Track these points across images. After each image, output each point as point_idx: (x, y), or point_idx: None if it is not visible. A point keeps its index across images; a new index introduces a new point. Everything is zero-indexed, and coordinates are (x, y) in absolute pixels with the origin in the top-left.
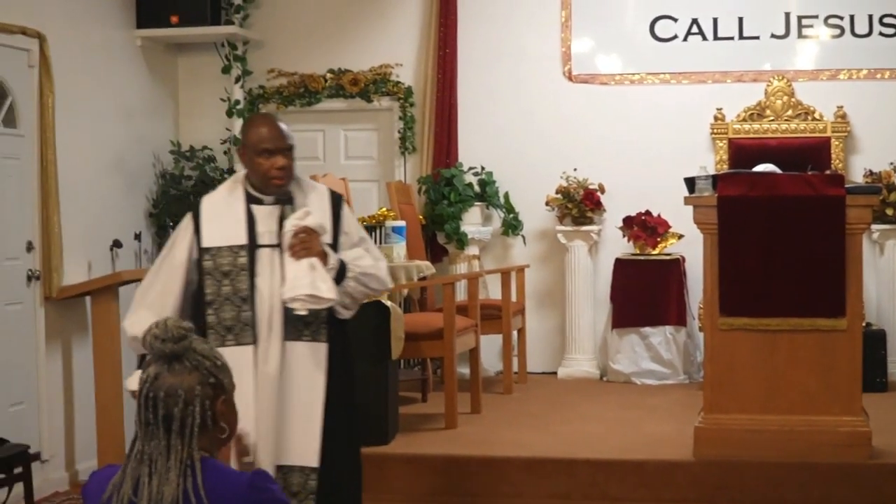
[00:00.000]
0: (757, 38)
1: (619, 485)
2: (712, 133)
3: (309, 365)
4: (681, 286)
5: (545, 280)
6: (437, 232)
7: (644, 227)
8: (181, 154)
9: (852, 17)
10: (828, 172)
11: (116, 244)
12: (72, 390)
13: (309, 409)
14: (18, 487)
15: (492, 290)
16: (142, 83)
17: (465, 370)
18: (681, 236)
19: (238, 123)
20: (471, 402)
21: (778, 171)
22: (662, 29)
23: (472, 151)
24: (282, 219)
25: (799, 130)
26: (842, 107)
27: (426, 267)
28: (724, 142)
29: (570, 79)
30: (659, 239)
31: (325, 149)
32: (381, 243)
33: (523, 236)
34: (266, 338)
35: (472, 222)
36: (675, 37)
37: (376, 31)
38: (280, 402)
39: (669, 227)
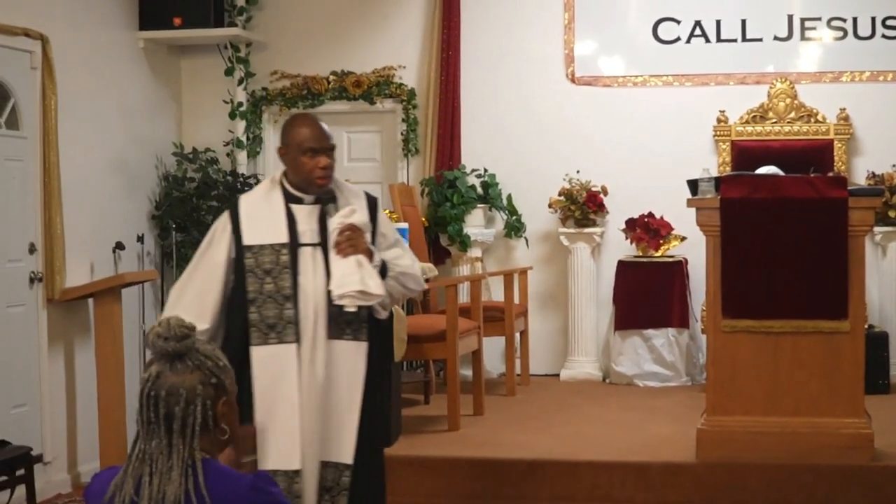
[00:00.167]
0: (760, 40)
1: (621, 487)
2: (715, 135)
3: (350, 363)
4: (683, 288)
5: (548, 282)
6: (439, 234)
7: (647, 229)
8: (184, 156)
9: (855, 20)
10: (830, 174)
11: (119, 246)
12: (74, 392)
13: (348, 406)
14: (21, 489)
15: (494, 292)
16: (144, 85)
17: (467, 372)
18: (683, 238)
19: (240, 125)
20: (473, 404)
21: (781, 173)
22: (665, 31)
23: (475, 153)
24: (322, 217)
25: (802, 132)
26: (844, 109)
27: (429, 269)
28: (727, 144)
29: (572, 81)
30: (661, 241)
31: None
32: None
33: (526, 238)
34: (311, 336)
35: (475, 224)
36: (678, 39)
37: (379, 33)
38: (323, 400)
39: (672, 229)
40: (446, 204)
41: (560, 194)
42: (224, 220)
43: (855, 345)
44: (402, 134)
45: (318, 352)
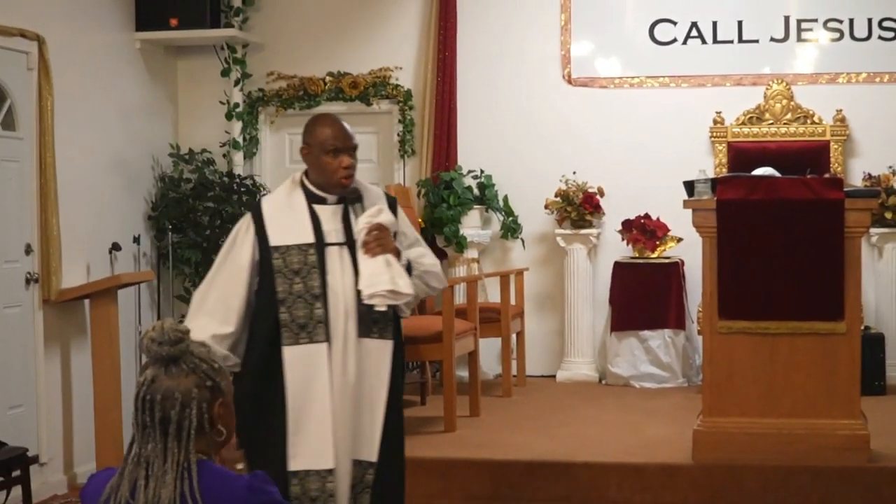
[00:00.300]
0: (756, 41)
1: (618, 488)
2: (711, 136)
3: (377, 361)
4: (679, 289)
5: (544, 283)
6: (436, 235)
7: (643, 230)
8: (180, 157)
9: (851, 21)
10: (827, 176)
11: (115, 247)
12: (70, 393)
13: (375, 404)
14: (17, 490)
15: (491, 293)
16: (141, 86)
17: (463, 373)
18: (680, 240)
19: (237, 126)
20: (470, 405)
21: (777, 174)
22: (662, 32)
23: (472, 154)
24: (346, 217)
25: (798, 134)
26: (841, 110)
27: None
28: (724, 145)
29: (569, 82)
30: (658, 242)
31: None
32: None
33: (522, 239)
34: (342, 335)
35: (472, 225)
36: (675, 40)
37: (376, 34)
38: (354, 398)
39: (668, 230)
40: (443, 205)
41: (556, 195)
42: (246, 223)
43: (851, 346)
44: (398, 135)
45: (349, 351)
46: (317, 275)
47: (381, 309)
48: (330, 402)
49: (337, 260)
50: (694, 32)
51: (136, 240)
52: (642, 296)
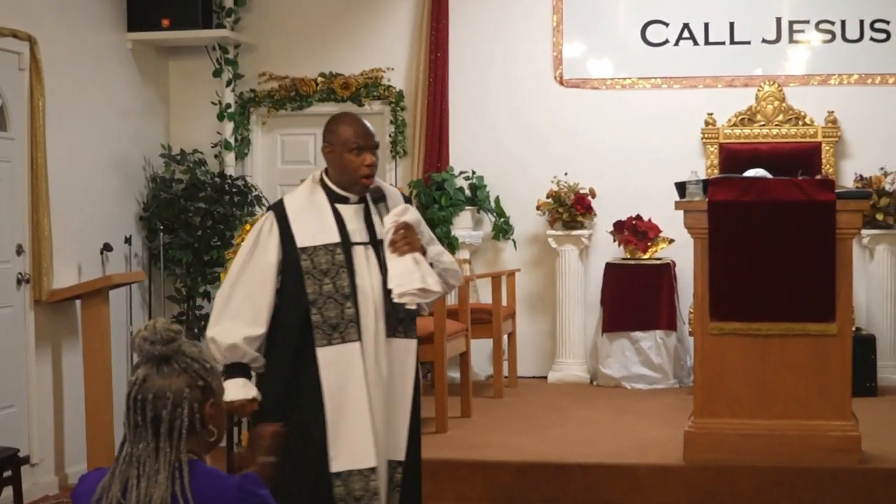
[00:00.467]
0: (748, 42)
1: (609, 489)
2: (703, 138)
3: (404, 360)
4: (671, 291)
5: (536, 284)
6: None
7: (635, 231)
8: (172, 157)
9: (843, 23)
10: (818, 177)
11: (107, 247)
12: (62, 394)
13: (402, 403)
14: (8, 491)
15: (482, 294)
16: (133, 86)
17: (455, 374)
18: (671, 241)
19: (228, 127)
20: (461, 406)
21: (768, 175)
22: (654, 33)
23: (464, 155)
24: (368, 216)
25: (790, 135)
26: (832, 112)
27: None
28: (715, 146)
29: (561, 83)
30: (649, 243)
31: (317, 152)
32: None
33: (514, 240)
34: (372, 334)
35: (463, 226)
36: (667, 41)
37: (368, 34)
38: (386, 397)
39: (660, 231)
40: (434, 206)
41: (548, 196)
42: (269, 222)
43: (842, 347)
44: (390, 136)
45: (380, 350)
46: (345, 274)
47: (410, 307)
48: (367, 401)
49: (363, 259)
50: (686, 34)
51: (128, 240)
52: (634, 297)
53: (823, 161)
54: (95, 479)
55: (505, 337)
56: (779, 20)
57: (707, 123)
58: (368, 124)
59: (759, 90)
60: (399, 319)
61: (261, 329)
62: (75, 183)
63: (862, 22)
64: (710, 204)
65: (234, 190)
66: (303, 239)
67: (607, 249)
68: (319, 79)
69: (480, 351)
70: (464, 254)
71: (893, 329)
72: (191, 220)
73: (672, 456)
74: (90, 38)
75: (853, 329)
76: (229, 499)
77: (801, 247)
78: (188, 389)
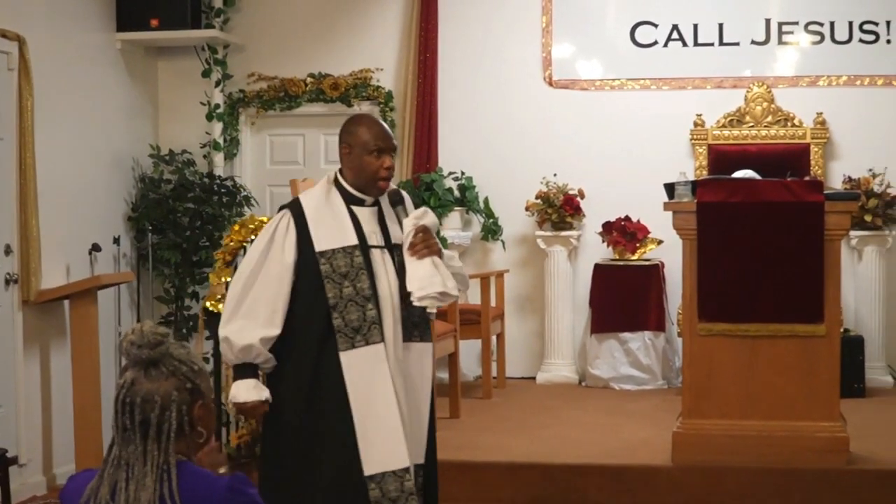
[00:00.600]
0: (737, 44)
1: (597, 490)
2: (692, 139)
3: (421, 364)
4: (660, 291)
5: (524, 285)
6: None
7: (623, 232)
8: (160, 158)
9: (832, 24)
10: (807, 178)
11: (95, 248)
12: (50, 394)
13: (422, 407)
14: None
15: (471, 294)
16: (121, 86)
17: (444, 375)
18: (660, 242)
19: (217, 127)
20: (450, 406)
21: (757, 177)
22: (643, 35)
23: (453, 156)
24: (381, 219)
25: (778, 136)
26: (821, 113)
27: None
28: (704, 148)
29: (550, 84)
30: (638, 244)
31: (306, 153)
32: None
33: (503, 241)
34: (392, 336)
35: (452, 227)
36: (656, 43)
37: (357, 35)
38: (408, 400)
39: (649, 232)
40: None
41: (537, 197)
42: (285, 222)
43: (831, 349)
44: None
45: (400, 353)
46: (365, 276)
47: (431, 311)
48: (395, 401)
49: (380, 262)
50: (675, 35)
51: (116, 241)
52: (622, 298)
53: (812, 162)
54: (84, 480)
55: (494, 338)
56: (768, 21)
57: (696, 125)
58: (387, 126)
59: (747, 91)
60: (414, 323)
61: (276, 330)
62: (64, 183)
63: (851, 23)
64: (699, 205)
65: (222, 190)
66: (321, 242)
67: (596, 250)
68: (308, 79)
69: (469, 352)
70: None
71: (881, 330)
72: (179, 220)
73: (660, 457)
74: (79, 39)
75: (841, 330)
76: (219, 499)
77: (789, 248)
78: (176, 392)
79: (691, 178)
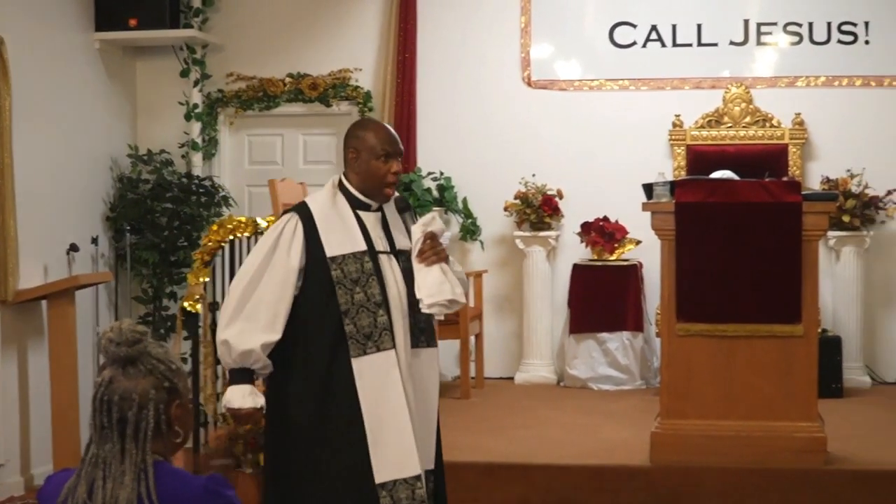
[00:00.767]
0: (715, 44)
1: (575, 490)
2: (670, 139)
3: (429, 369)
4: (638, 292)
5: (503, 285)
6: None
7: (602, 232)
8: (139, 157)
9: (811, 25)
10: (785, 179)
11: (73, 248)
12: (27, 394)
13: (430, 412)
14: None
15: None
16: (100, 86)
17: None
18: (638, 242)
19: (196, 127)
20: None
21: (735, 177)
22: (621, 35)
23: (431, 156)
24: (385, 225)
25: (757, 137)
26: (799, 114)
27: None
28: (683, 148)
29: (529, 84)
30: (616, 245)
31: (284, 153)
32: None
33: (481, 241)
34: (403, 342)
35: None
36: (634, 43)
37: (336, 35)
38: (418, 406)
39: (627, 232)
40: None
41: (516, 198)
42: (292, 225)
43: (809, 349)
44: None
45: (409, 358)
46: (375, 282)
47: (439, 318)
48: (407, 408)
49: (389, 268)
50: (653, 35)
51: (94, 241)
52: (601, 298)
53: (790, 163)
54: (62, 480)
55: (472, 338)
56: (746, 22)
57: (674, 125)
58: (393, 131)
59: (726, 92)
60: (421, 329)
61: (276, 336)
62: (41, 183)
63: (829, 24)
64: (677, 205)
65: (201, 190)
66: (332, 248)
67: (574, 251)
68: (287, 79)
69: (447, 352)
70: None
71: (859, 331)
72: (157, 220)
73: (638, 457)
74: (57, 38)
75: (819, 331)
76: (195, 499)
77: (767, 248)
78: (154, 391)
79: (670, 178)
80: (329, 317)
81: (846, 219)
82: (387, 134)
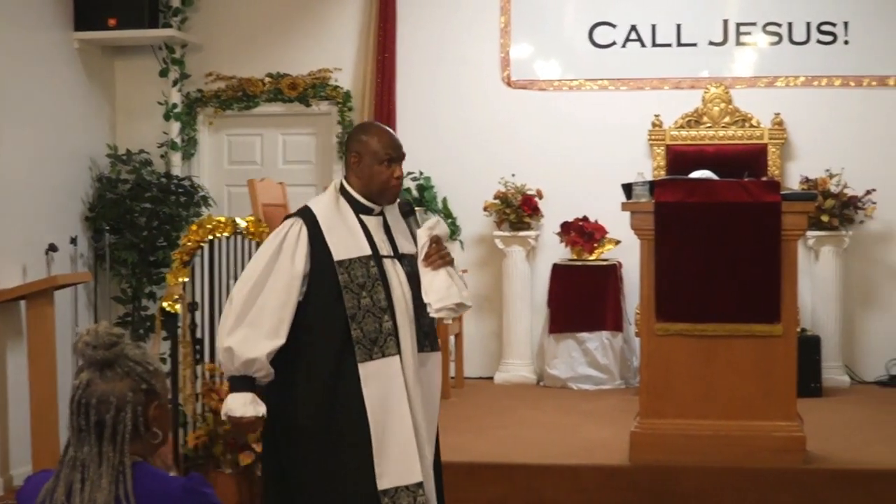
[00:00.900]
0: (695, 45)
1: (555, 490)
2: (650, 139)
3: (433, 373)
4: (617, 292)
5: (483, 285)
6: None
7: (581, 232)
8: (118, 157)
9: (790, 25)
10: (764, 179)
11: (52, 248)
12: (6, 395)
13: (432, 416)
14: None
15: None
16: (79, 86)
17: None
18: (618, 242)
19: (175, 127)
20: None
21: (714, 177)
22: (601, 35)
23: (411, 156)
24: (387, 229)
25: (736, 137)
26: (779, 114)
27: None
28: (662, 148)
29: (508, 84)
30: (596, 244)
31: (264, 153)
32: None
33: (461, 241)
34: (409, 347)
35: None
36: (614, 43)
37: (315, 35)
38: (423, 410)
39: (606, 232)
40: None
41: (495, 197)
42: (296, 230)
43: (787, 348)
44: (337, 136)
45: (415, 363)
46: (381, 287)
47: (447, 322)
48: (410, 415)
49: (393, 273)
50: (633, 35)
51: (73, 241)
52: (580, 298)
53: (769, 163)
54: (40, 482)
55: (452, 338)
56: (726, 22)
57: (654, 125)
58: (395, 134)
59: (705, 92)
60: (425, 333)
61: (280, 341)
62: (20, 183)
63: (809, 24)
64: (657, 205)
65: (180, 190)
66: (339, 252)
67: (554, 250)
68: (267, 79)
69: None
70: None
71: (838, 330)
72: (136, 220)
73: (618, 456)
74: (36, 37)
75: (798, 330)
76: (175, 499)
77: (746, 248)
78: (131, 393)
79: (649, 178)
80: (336, 321)
81: (825, 219)
82: (390, 138)
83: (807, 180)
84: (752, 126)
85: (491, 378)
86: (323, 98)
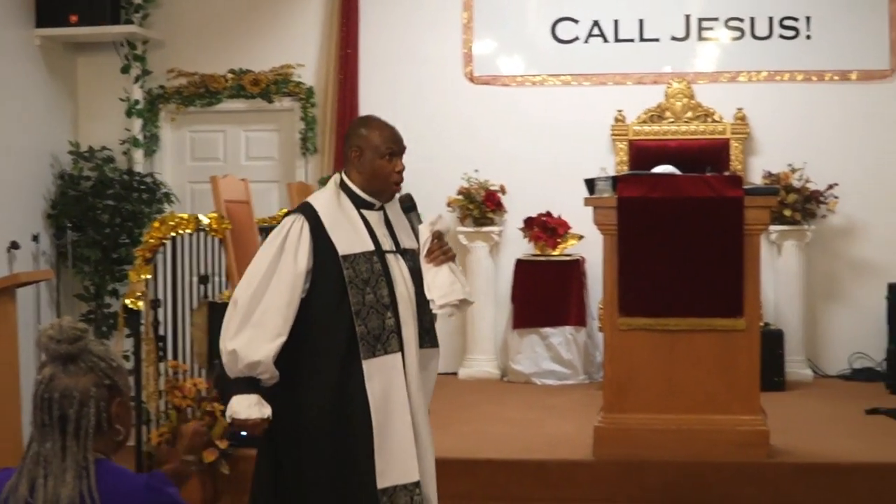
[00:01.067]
0: (657, 40)
1: (519, 485)
2: (613, 134)
3: (431, 369)
4: (580, 287)
5: None
6: None
7: (544, 228)
8: (80, 154)
9: (752, 20)
10: (726, 174)
11: (14, 245)
12: None
13: (427, 413)
14: None
15: None
16: (40, 83)
17: None
18: (581, 237)
19: (137, 123)
20: None
21: (677, 172)
22: (563, 30)
23: None
24: (388, 223)
25: (699, 132)
26: (741, 109)
27: None
28: (625, 143)
29: (471, 80)
30: (559, 240)
31: (226, 149)
32: None
33: None
34: (411, 344)
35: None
36: (577, 38)
37: (278, 31)
38: (422, 409)
39: (569, 228)
40: None
41: (459, 193)
42: (298, 227)
43: (751, 342)
44: (300, 133)
45: (417, 360)
46: (384, 283)
47: (451, 317)
48: (409, 413)
49: (396, 268)
50: (595, 31)
51: (35, 238)
52: (544, 293)
53: (732, 158)
54: (3, 479)
55: None
56: (688, 17)
57: (616, 120)
58: (396, 128)
59: (668, 87)
60: (426, 329)
61: (283, 339)
62: None
63: (771, 19)
64: (620, 200)
65: (142, 187)
66: (343, 247)
67: (518, 246)
68: (229, 75)
69: None
70: None
71: (801, 324)
72: (99, 217)
73: (582, 451)
74: None
75: (761, 324)
76: (137, 497)
77: (709, 243)
78: (95, 388)
79: (612, 173)
80: (341, 317)
81: (788, 213)
82: (391, 132)
83: (769, 175)
84: (714, 121)
85: (455, 374)
86: (285, 94)
